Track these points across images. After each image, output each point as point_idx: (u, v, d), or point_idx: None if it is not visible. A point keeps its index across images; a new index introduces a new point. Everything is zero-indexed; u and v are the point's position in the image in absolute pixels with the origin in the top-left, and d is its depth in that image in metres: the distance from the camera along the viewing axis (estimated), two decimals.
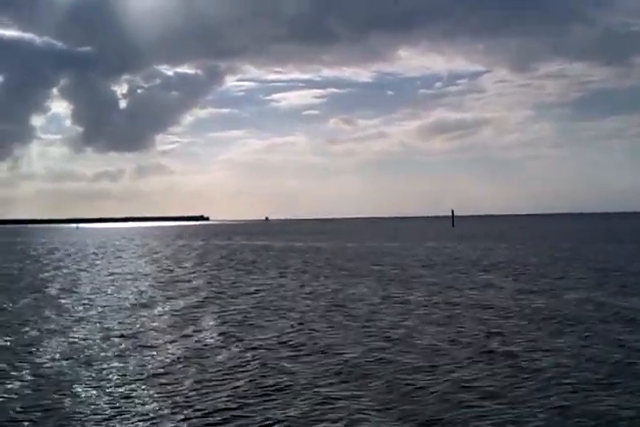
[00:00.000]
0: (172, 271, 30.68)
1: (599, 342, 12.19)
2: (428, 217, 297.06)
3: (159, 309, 17.88)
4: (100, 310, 17.80)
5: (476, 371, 10.18)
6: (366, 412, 8.28)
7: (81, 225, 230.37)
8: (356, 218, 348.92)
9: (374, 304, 17.89)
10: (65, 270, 32.24)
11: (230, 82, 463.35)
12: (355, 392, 9.15)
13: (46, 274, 30.10)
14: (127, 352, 12.08)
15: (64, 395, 9.27)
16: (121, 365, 11.06)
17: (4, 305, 19.07)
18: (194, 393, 9.25)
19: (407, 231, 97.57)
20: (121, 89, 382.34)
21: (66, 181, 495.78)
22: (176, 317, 16.34)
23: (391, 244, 55.28)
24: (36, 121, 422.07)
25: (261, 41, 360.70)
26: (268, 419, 8.07)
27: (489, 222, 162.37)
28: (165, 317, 16.42)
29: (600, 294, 18.83)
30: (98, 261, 39.22)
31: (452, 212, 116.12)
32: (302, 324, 14.85)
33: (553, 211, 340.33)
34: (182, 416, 8.22)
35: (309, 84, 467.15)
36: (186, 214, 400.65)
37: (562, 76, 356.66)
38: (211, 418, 8.16)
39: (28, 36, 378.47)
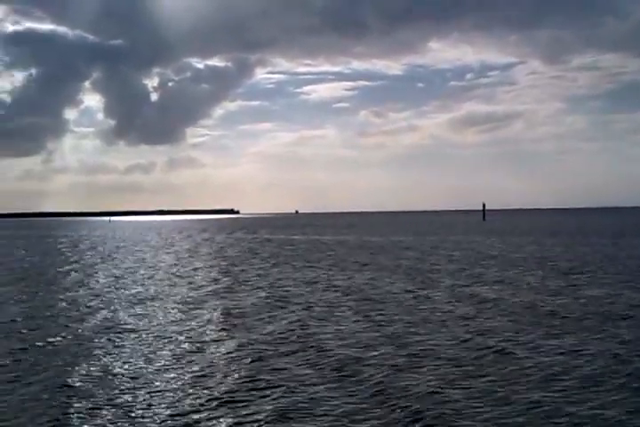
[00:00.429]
0: (190, 264, 30.79)
1: (615, 341, 11.79)
2: (458, 211, 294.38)
3: (168, 301, 17.89)
4: (110, 302, 17.89)
5: (480, 368, 9.94)
6: (351, 409, 8.14)
7: (113, 218, 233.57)
8: (386, 212, 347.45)
9: (391, 299, 17.66)
10: (84, 263, 32.63)
11: (260, 74, 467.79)
12: (346, 390, 9.00)
13: (66, 267, 30.48)
14: (129, 345, 12.09)
15: (67, 387, 9.30)
16: (123, 356, 11.07)
17: (22, 297, 19.35)
18: (198, 382, 9.20)
19: (437, 225, 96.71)
20: (152, 82, 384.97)
21: (98, 173, 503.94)
22: (185, 309, 16.33)
23: (420, 238, 54.76)
24: (69, 114, 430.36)
25: (292, 33, 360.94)
26: (275, 408, 7.96)
27: (520, 216, 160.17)
28: (174, 309, 16.40)
29: (623, 291, 18.30)
30: (116, 255, 39.59)
31: (484, 205, 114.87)
32: (315, 317, 14.72)
33: (585, 205, 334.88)
34: (185, 407, 8.16)
35: (340, 77, 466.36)
36: (217, 208, 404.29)
37: (594, 68, 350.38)
38: (211, 410, 8.09)
39: (61, 29, 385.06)
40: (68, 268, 29.75)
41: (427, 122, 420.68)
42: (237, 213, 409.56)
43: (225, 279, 23.58)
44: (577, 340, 11.80)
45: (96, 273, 26.85)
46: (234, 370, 10.04)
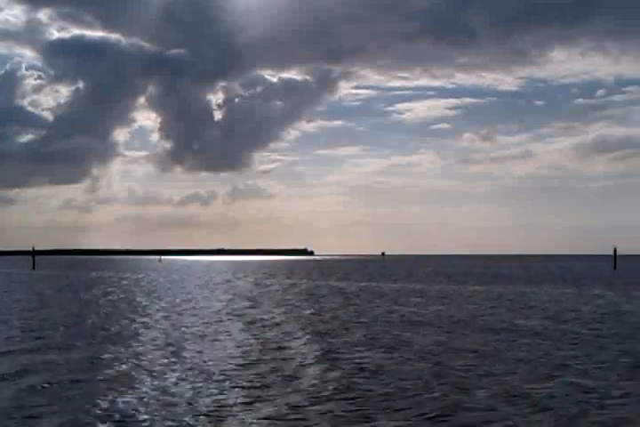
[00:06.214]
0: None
1: None
2: (583, 256, 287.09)
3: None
4: None
5: None
6: None
7: (165, 257, 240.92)
8: (492, 255, 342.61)
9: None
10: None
11: (345, 89, 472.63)
12: None
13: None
14: None
15: None
16: None
17: None
18: None
19: (552, 273, 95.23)
20: (216, 98, 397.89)
21: (150, 205, 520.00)
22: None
23: (528, 288, 54.58)
24: (119, 135, 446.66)
25: (384, 40, 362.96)
26: None
27: None
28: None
29: None
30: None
31: (615, 250, 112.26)
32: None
33: None
34: None
35: (440, 93, 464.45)
36: (287, 247, 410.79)
37: None
38: None
39: (113, 37, 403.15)
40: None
41: (546, 147, 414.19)
42: (311, 253, 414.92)
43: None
44: None
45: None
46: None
